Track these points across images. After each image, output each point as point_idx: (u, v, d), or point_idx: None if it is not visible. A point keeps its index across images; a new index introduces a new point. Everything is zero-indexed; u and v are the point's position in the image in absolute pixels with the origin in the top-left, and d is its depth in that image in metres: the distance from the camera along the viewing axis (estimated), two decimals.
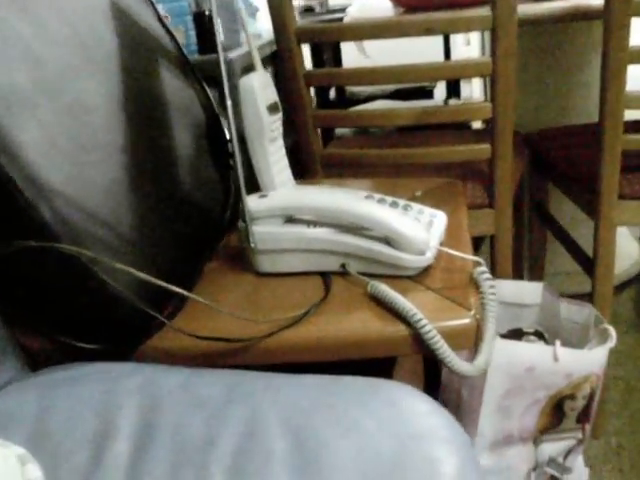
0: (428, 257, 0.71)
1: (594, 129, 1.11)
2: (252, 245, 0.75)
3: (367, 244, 0.72)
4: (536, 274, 1.63)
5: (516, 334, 1.08)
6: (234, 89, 0.75)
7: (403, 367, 0.74)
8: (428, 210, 0.79)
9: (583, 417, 1.01)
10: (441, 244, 0.76)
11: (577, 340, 1.06)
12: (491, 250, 1.17)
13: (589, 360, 0.95)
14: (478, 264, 0.71)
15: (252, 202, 0.76)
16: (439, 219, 0.78)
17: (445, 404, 1.06)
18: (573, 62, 1.55)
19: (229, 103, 0.72)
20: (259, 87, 0.74)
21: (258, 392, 0.57)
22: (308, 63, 2.03)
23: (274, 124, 0.76)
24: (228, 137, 0.90)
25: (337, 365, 0.69)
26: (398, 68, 1.05)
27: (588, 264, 1.23)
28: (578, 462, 1.10)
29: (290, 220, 0.76)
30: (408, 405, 0.54)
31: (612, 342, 0.97)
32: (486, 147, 1.08)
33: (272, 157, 0.77)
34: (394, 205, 0.79)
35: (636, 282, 1.82)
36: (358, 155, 1.14)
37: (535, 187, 1.52)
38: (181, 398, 0.57)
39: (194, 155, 0.84)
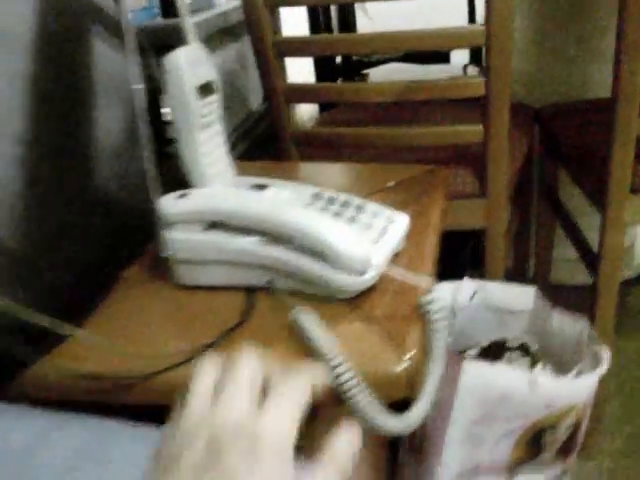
0: (367, 278, 0.58)
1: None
2: (166, 254, 0.63)
3: (296, 259, 0.59)
4: (542, 261, 1.48)
5: (498, 348, 0.94)
6: None
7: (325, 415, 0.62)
8: (386, 213, 0.66)
9: (565, 450, 0.88)
10: (395, 256, 0.63)
11: (569, 357, 0.92)
12: (481, 245, 1.03)
13: (574, 390, 0.82)
14: (428, 290, 0.58)
15: (168, 203, 0.63)
16: (397, 225, 0.65)
17: None
18: (593, 31, 1.36)
19: (138, 87, 0.58)
20: (187, 64, 0.61)
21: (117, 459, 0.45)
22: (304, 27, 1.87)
23: (206, 108, 0.63)
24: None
25: None
26: (376, 36, 0.89)
27: (592, 260, 1.08)
28: None
29: (214, 225, 0.62)
30: None
31: (603, 368, 0.83)
32: (478, 129, 0.93)
33: (203, 147, 0.64)
34: (345, 206, 0.65)
35: None
36: (333, 136, 0.99)
37: (545, 168, 1.35)
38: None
39: (122, 142, 0.71)
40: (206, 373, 0.41)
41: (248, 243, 0.60)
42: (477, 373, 0.80)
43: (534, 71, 1.45)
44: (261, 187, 0.67)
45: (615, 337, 1.40)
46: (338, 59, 2.02)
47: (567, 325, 0.93)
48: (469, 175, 1.00)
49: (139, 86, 0.57)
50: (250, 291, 0.62)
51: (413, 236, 0.68)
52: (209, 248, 0.61)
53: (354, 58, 2.06)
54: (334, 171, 0.90)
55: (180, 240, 0.62)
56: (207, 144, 0.64)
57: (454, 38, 0.89)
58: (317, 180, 0.88)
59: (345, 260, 0.56)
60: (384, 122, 1.02)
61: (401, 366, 0.52)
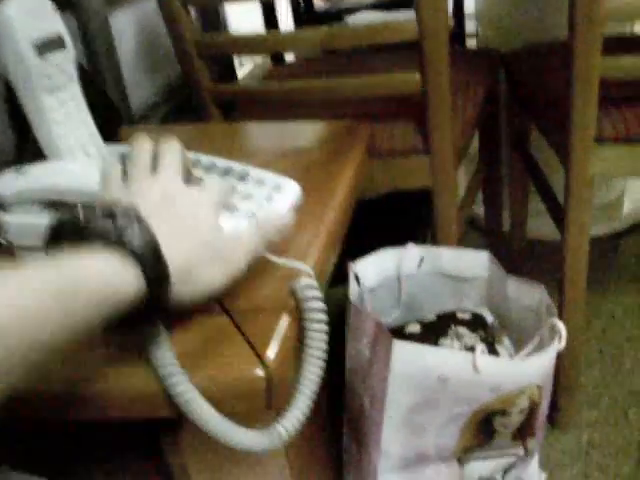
0: None
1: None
2: (1, 241, 0.53)
3: None
4: (517, 215, 1.37)
5: (447, 321, 0.85)
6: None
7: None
8: (273, 180, 0.56)
9: (522, 433, 0.79)
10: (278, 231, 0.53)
11: (529, 328, 0.82)
12: (429, 208, 0.92)
13: (523, 371, 0.72)
14: (304, 275, 0.48)
15: (4, 181, 0.53)
16: (285, 192, 0.55)
17: (350, 413, 0.84)
18: None
19: None
20: (21, 16, 0.50)
21: None
22: None
23: (52, 68, 0.53)
24: None
25: None
26: None
27: (559, 216, 0.98)
28: (529, 471, 0.89)
29: (54, 205, 0.53)
30: None
31: (561, 343, 0.73)
32: (414, 77, 0.82)
33: (52, 114, 0.54)
34: (225, 174, 0.56)
35: None
36: (254, 92, 0.88)
37: (512, 118, 1.24)
38: None
39: None
40: (144, 149, 0.50)
41: None
42: (410, 355, 0.70)
43: (503, 15, 1.33)
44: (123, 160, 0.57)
45: (601, 296, 1.31)
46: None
47: (524, 293, 0.83)
48: (410, 130, 0.89)
49: None
50: None
51: (310, 205, 0.58)
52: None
53: (325, 7, 1.93)
54: (244, 132, 0.80)
55: (17, 223, 0.53)
56: (59, 110, 0.54)
57: None
58: (224, 143, 0.78)
59: None
60: (325, 76, 0.91)
61: (260, 372, 0.43)
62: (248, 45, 0.86)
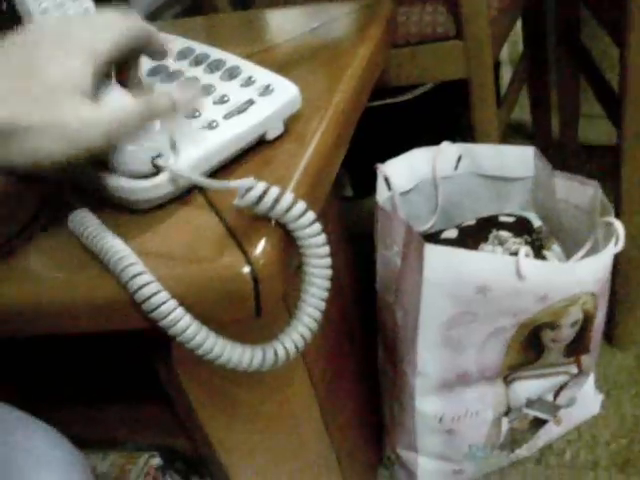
0: (158, 183, 0.39)
1: None
2: None
3: None
4: (568, 118, 1.24)
5: (487, 225, 0.75)
6: None
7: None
8: (266, 79, 0.46)
9: (575, 349, 0.70)
10: (271, 140, 0.44)
11: (582, 231, 0.72)
12: (467, 101, 0.82)
13: (575, 277, 0.62)
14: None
15: None
16: (275, 96, 0.45)
17: (384, 329, 0.76)
18: None
19: None
20: None
21: None
22: None
23: None
24: None
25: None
26: None
27: (615, 107, 0.86)
28: (585, 392, 0.80)
29: None
30: None
31: (619, 245, 0.63)
32: None
33: None
34: (212, 69, 0.48)
35: None
36: None
37: (562, 5, 1.10)
38: None
39: None
40: None
41: None
42: (444, 261, 0.61)
43: None
44: None
45: None
46: None
47: (575, 191, 0.72)
48: (441, 12, 0.77)
49: None
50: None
51: (312, 101, 0.48)
52: None
53: None
54: (253, 18, 0.70)
55: None
56: None
57: None
58: (231, 32, 0.68)
59: (113, 156, 0.38)
60: None
61: (245, 269, 0.35)
62: None
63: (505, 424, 0.75)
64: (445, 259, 0.61)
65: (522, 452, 0.79)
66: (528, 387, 0.73)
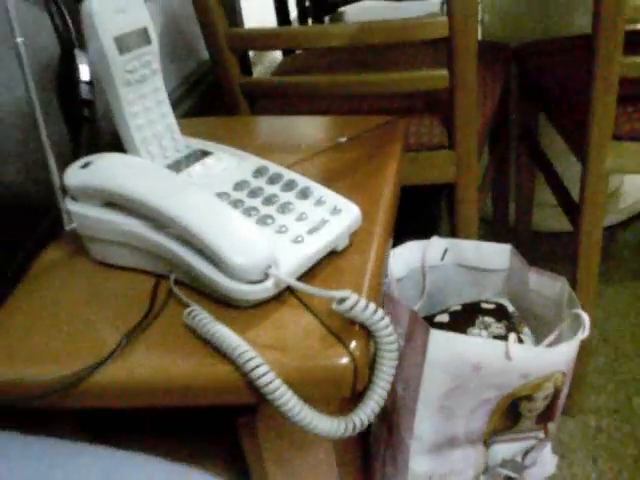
0: (267, 288, 0.49)
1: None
2: (67, 228, 0.55)
3: (185, 255, 0.50)
4: (523, 207, 1.41)
5: (472, 311, 0.88)
6: None
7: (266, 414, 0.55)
8: (334, 200, 0.57)
9: (544, 417, 0.83)
10: (340, 250, 0.55)
11: (549, 318, 0.86)
12: (451, 202, 0.95)
13: (550, 359, 0.76)
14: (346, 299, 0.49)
15: (72, 172, 0.55)
16: (344, 216, 0.56)
17: None
18: None
19: (19, 40, 0.50)
20: (103, 11, 0.52)
21: None
22: None
23: (133, 62, 0.55)
24: (87, 78, 0.67)
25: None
26: None
27: (574, 210, 1.01)
28: (543, 454, 0.93)
29: (114, 203, 0.54)
30: None
31: (584, 333, 0.76)
32: (442, 74, 0.85)
33: (131, 107, 0.57)
34: (286, 189, 0.58)
35: None
36: (285, 85, 0.90)
37: (523, 111, 1.27)
38: None
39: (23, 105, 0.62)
40: None
41: (140, 227, 0.52)
42: (446, 343, 0.73)
43: (511, 9, 1.36)
44: (198, 156, 0.60)
45: (600, 286, 1.35)
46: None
47: (545, 285, 0.86)
48: (436, 125, 0.92)
49: (19, 39, 0.49)
50: (157, 277, 0.55)
51: (361, 204, 0.60)
52: (104, 227, 0.54)
53: None
54: (282, 125, 0.82)
55: (79, 214, 0.55)
56: (137, 103, 0.56)
57: None
58: (262, 136, 0.80)
59: (234, 266, 0.47)
60: (346, 69, 0.93)
61: (346, 360, 0.46)
62: (279, 39, 0.88)
63: None
64: (447, 342, 0.74)
65: None
66: (504, 449, 0.85)
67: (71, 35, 0.66)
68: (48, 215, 0.62)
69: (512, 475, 0.89)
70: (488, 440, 0.83)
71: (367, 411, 0.49)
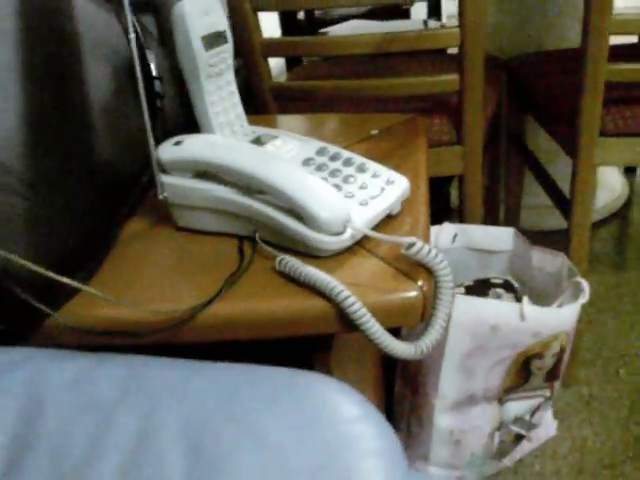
0: (344, 238, 0.59)
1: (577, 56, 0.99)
2: (160, 197, 0.66)
3: (275, 214, 0.61)
4: (512, 208, 1.54)
5: (483, 285, 1.00)
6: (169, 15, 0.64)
7: (347, 342, 0.66)
8: (387, 174, 0.68)
9: (551, 375, 0.94)
10: (393, 215, 0.66)
11: (550, 291, 0.98)
12: (459, 192, 1.07)
13: (559, 318, 0.87)
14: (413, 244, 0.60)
15: (164, 149, 0.65)
16: (396, 186, 0.67)
17: (405, 363, 0.98)
18: None
19: (132, 36, 0.61)
20: (193, 14, 0.63)
21: (156, 391, 0.48)
22: None
23: (214, 58, 0.65)
24: (155, 73, 0.78)
25: (266, 344, 0.61)
26: None
27: (564, 204, 1.14)
28: (546, 417, 1.04)
29: (204, 173, 0.65)
30: (331, 408, 0.46)
31: (585, 297, 0.88)
32: (454, 78, 0.97)
33: (211, 96, 0.66)
34: (346, 164, 0.68)
35: (618, 218, 1.74)
36: (312, 88, 1.02)
37: (513, 117, 1.40)
38: (68, 398, 0.48)
39: (114, 97, 0.72)
40: None
41: (230, 193, 0.62)
42: (468, 307, 0.85)
43: (500, 23, 1.50)
44: (266, 139, 0.70)
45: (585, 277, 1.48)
46: (300, 15, 2.03)
47: (546, 261, 0.99)
48: (445, 124, 1.04)
49: (132, 35, 0.59)
50: (239, 239, 0.65)
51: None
52: (196, 194, 0.64)
53: (316, 15, 2.07)
54: (317, 122, 0.93)
55: (172, 185, 0.65)
56: (215, 93, 0.66)
57: None
58: (301, 132, 0.91)
59: (320, 220, 0.58)
60: (357, 75, 1.05)
61: (415, 293, 0.56)
62: (310, 46, 1.00)
63: (497, 437, 0.97)
64: (468, 305, 0.85)
65: (506, 462, 1.02)
66: (516, 407, 0.96)
67: (140, 38, 0.78)
68: (135, 187, 0.72)
69: (522, 432, 1.00)
70: (502, 398, 0.94)
71: (431, 338, 0.59)
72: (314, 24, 2.02)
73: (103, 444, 0.45)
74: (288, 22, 1.83)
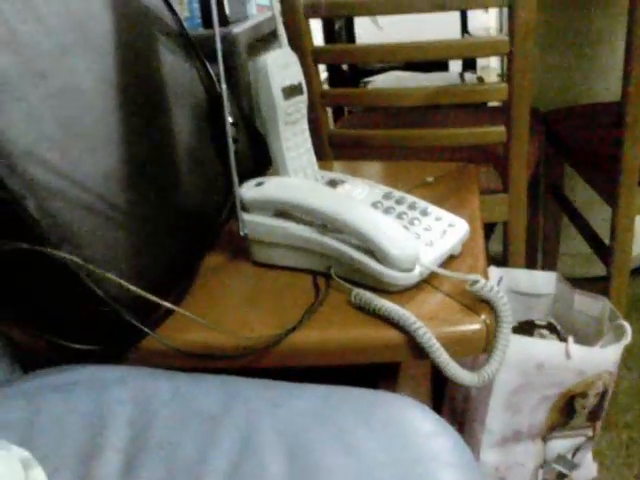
0: (414, 275, 0.65)
1: (617, 109, 1.05)
2: (242, 233, 0.72)
3: (350, 251, 0.66)
4: (550, 255, 1.59)
5: (527, 327, 1.04)
6: (241, 67, 0.71)
7: (407, 372, 0.71)
8: (448, 218, 0.74)
9: (594, 415, 0.98)
10: (455, 256, 0.72)
11: (591, 334, 1.02)
12: (504, 237, 1.13)
13: (602, 358, 0.92)
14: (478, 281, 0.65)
15: (246, 189, 0.72)
16: (457, 229, 0.72)
17: (452, 399, 1.03)
18: (597, 41, 1.48)
19: (224, 87, 0.68)
20: (275, 68, 0.70)
21: (255, 404, 0.53)
22: (319, 37, 1.99)
23: (292, 107, 0.72)
24: (231, 120, 0.85)
25: (334, 371, 0.66)
26: (411, 45, 0.99)
27: (603, 251, 1.19)
28: (587, 458, 1.07)
29: (283, 212, 0.71)
30: (412, 424, 0.51)
31: (627, 339, 0.93)
32: (501, 130, 1.03)
33: (287, 142, 0.73)
34: (411, 208, 0.74)
35: None
36: (367, 136, 1.09)
37: (551, 167, 1.46)
38: (174, 410, 0.54)
39: (195, 140, 0.80)
40: None
41: (307, 231, 0.68)
42: (516, 345, 0.89)
43: (541, 79, 1.57)
44: (336, 183, 0.77)
45: None
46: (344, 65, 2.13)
47: (588, 304, 1.03)
48: (492, 172, 1.10)
49: (224, 86, 0.67)
50: (313, 274, 0.71)
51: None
52: (275, 232, 0.70)
53: (358, 65, 2.16)
54: (375, 169, 0.99)
55: (253, 222, 0.71)
56: (291, 139, 0.73)
57: (481, 48, 0.99)
58: (362, 177, 0.97)
59: (392, 257, 0.63)
60: (405, 125, 1.12)
61: (479, 325, 0.62)
62: (363, 97, 1.07)
63: (540, 475, 1.00)
64: (516, 343, 0.90)
65: None
66: (559, 445, 1.00)
67: (215, 86, 0.86)
68: (214, 224, 0.79)
69: (564, 471, 1.03)
70: (546, 436, 0.98)
71: (492, 368, 0.64)
72: (358, 74, 2.11)
73: (210, 452, 0.50)
74: (334, 73, 1.93)
